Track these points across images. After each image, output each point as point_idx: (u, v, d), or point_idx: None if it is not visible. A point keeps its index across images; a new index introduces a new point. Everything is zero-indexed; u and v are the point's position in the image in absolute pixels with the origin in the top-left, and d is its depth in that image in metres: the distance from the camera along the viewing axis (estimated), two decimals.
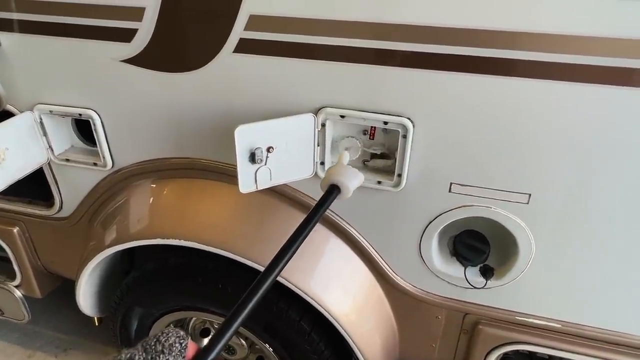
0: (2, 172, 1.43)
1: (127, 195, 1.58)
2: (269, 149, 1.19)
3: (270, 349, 1.59)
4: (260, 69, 1.22)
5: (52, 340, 2.43)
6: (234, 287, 1.49)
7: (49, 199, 1.79)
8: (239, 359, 1.87)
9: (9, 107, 1.53)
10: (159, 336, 0.69)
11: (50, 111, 1.49)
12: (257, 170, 1.20)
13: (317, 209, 1.07)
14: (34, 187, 1.90)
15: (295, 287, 1.38)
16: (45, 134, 1.54)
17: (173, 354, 0.67)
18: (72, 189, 1.68)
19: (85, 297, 1.79)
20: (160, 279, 1.60)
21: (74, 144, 1.63)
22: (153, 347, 0.67)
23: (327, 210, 1.37)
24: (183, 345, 0.69)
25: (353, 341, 1.42)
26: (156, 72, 1.32)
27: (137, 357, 0.65)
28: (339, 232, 1.42)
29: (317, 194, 1.37)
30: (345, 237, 1.42)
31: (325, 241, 1.43)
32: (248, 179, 1.20)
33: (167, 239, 1.41)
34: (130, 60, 1.32)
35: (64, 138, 1.60)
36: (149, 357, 0.66)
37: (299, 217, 1.39)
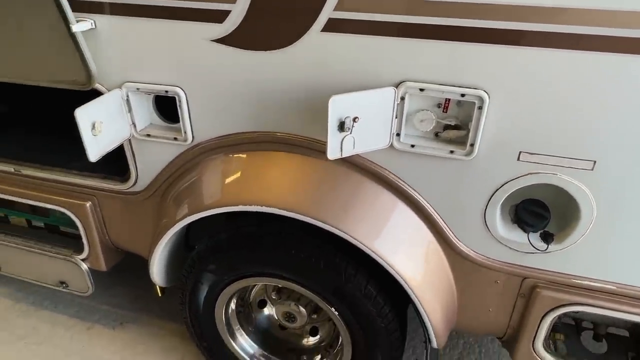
0: (98, 144, 1.55)
1: (204, 168, 1.69)
2: (354, 119, 1.31)
3: (336, 312, 1.71)
4: (345, 46, 1.33)
5: (108, 314, 2.56)
6: (307, 252, 1.60)
7: (123, 173, 1.91)
8: (296, 326, 1.99)
9: (97, 86, 1.65)
10: None
11: (138, 89, 1.62)
12: (343, 139, 1.32)
13: None
14: (107, 162, 2.04)
15: (369, 249, 1.48)
16: (130, 110, 1.67)
17: None
18: (148, 163, 1.80)
19: (159, 268, 1.91)
20: (234, 247, 1.71)
21: (152, 121, 1.75)
22: None
23: (395, 177, 1.48)
24: None
25: (419, 302, 1.53)
26: (245, 51, 1.43)
27: None
28: (406, 199, 1.52)
29: (388, 163, 1.49)
30: (412, 203, 1.53)
31: (393, 207, 1.53)
32: (335, 147, 1.32)
33: (250, 205, 1.53)
34: (221, 40, 1.44)
35: (144, 115, 1.72)
36: None
37: (369, 185, 1.52)
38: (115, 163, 2.03)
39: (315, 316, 1.97)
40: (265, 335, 2.06)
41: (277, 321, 2.04)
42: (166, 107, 1.71)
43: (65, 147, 2.23)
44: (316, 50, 1.36)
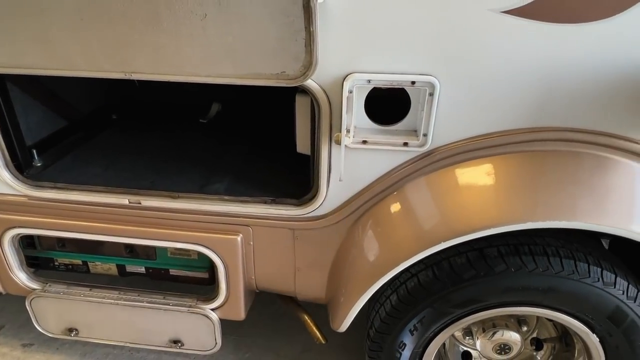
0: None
1: (443, 177, 1.34)
2: None
3: (597, 339, 1.43)
4: None
5: None
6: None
7: (299, 195, 1.50)
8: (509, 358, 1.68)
9: (309, 81, 1.24)
10: None
11: (369, 80, 1.24)
12: None
13: None
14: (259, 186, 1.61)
15: None
16: (350, 110, 1.28)
17: None
18: (350, 178, 1.41)
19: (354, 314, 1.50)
20: (476, 276, 1.37)
21: (356, 124, 1.36)
22: None
23: None
24: None
25: None
26: (547, 24, 1.12)
27: None
28: None
29: None
30: None
31: None
32: None
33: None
34: (517, 11, 1.12)
35: (355, 117, 1.33)
36: None
37: None
38: (269, 184, 1.62)
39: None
40: None
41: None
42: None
43: (187, 168, 1.76)
44: None
